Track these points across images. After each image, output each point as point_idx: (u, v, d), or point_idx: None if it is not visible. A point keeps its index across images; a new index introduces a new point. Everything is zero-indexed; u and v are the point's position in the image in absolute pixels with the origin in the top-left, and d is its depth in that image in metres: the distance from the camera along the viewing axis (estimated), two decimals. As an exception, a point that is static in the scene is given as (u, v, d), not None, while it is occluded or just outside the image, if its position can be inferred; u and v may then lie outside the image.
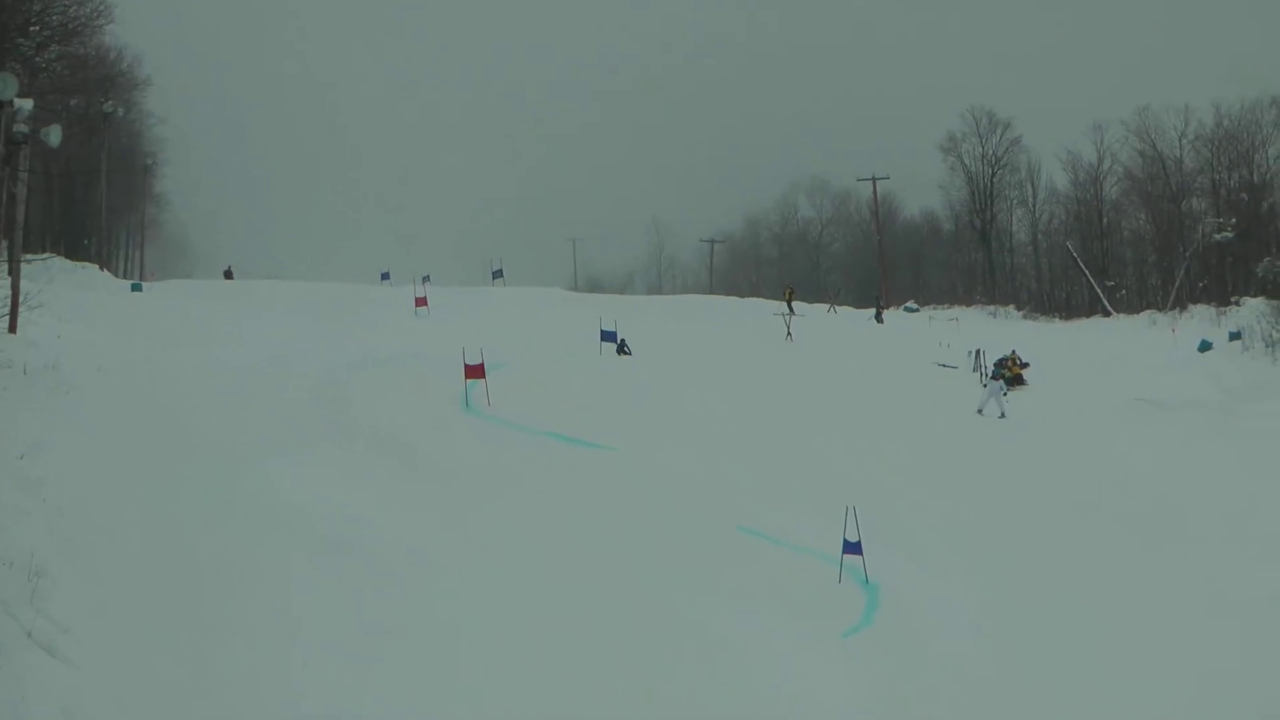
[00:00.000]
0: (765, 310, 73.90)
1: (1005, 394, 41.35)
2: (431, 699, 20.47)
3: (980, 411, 42.13)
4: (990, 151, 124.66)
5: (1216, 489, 38.22)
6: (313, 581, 24.71)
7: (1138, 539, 33.53)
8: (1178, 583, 30.26)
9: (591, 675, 22.51)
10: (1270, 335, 70.60)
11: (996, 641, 25.98)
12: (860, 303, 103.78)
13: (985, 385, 39.80)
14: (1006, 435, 43.97)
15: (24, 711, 18.07)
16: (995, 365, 55.00)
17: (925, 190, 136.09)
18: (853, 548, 28.47)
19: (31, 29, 74.94)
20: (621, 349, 50.40)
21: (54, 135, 35.76)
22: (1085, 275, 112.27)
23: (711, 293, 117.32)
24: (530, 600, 25.45)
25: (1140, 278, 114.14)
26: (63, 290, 50.45)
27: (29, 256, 56.02)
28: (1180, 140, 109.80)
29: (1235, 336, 73.58)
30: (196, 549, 25.21)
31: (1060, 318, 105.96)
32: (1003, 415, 41.25)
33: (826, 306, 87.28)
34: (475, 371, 40.27)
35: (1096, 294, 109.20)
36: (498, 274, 79.48)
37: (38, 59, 75.59)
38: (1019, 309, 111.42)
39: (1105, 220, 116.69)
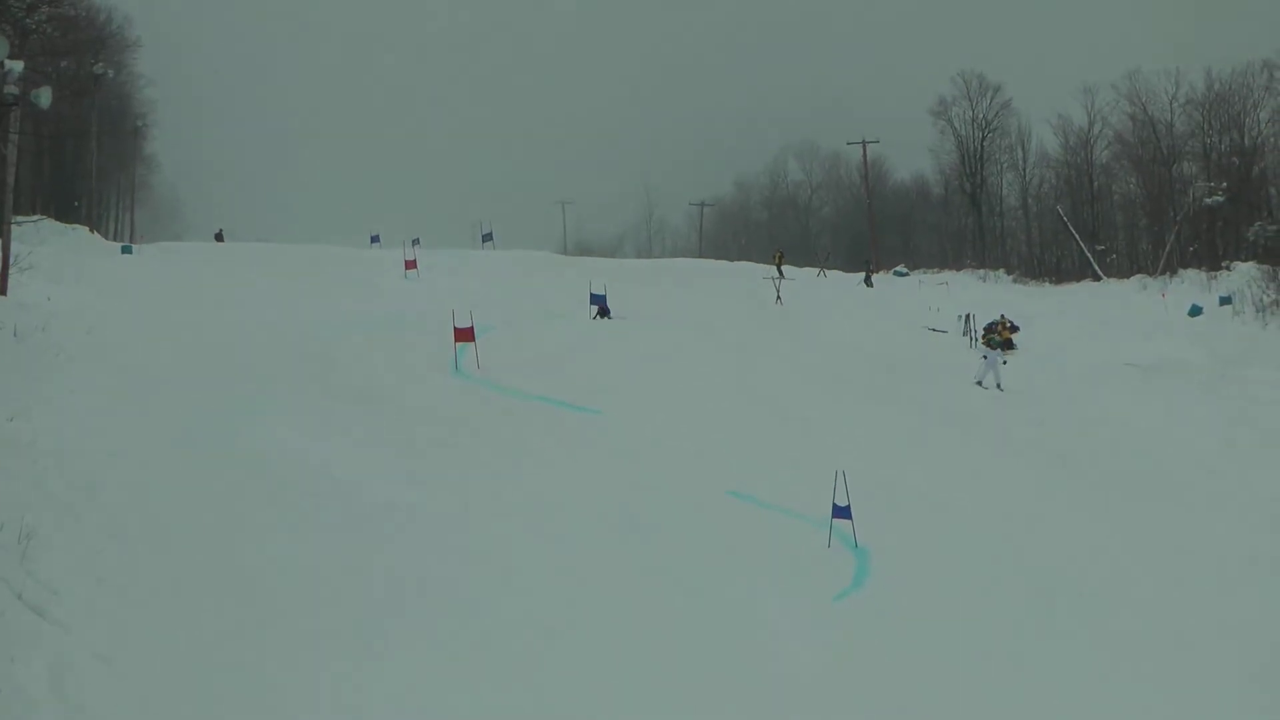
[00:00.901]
0: (755, 274, 73.88)
1: (1004, 363, 41.18)
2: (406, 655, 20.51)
3: (980, 383, 42.00)
4: (980, 115, 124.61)
5: (1205, 454, 38.33)
6: (298, 538, 24.73)
7: (1128, 502, 33.62)
8: (1168, 544, 30.36)
9: (572, 639, 22.55)
10: (1261, 300, 70.68)
11: (988, 603, 26.03)
12: (850, 266, 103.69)
13: (984, 357, 39.63)
14: (997, 400, 44.00)
15: (13, 673, 18.09)
16: (985, 329, 55.01)
17: (915, 154, 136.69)
18: (842, 512, 28.47)
19: (22, -10, 74.63)
20: (604, 313, 50.28)
21: (44, 97, 35.63)
22: (1075, 239, 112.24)
23: (701, 256, 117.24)
24: (514, 562, 25.49)
25: (1131, 242, 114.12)
26: (53, 252, 50.42)
27: (19, 219, 55.98)
28: (1171, 104, 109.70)
29: (1226, 301, 73.57)
30: (185, 510, 25.23)
31: (1050, 282, 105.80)
32: (999, 387, 41.12)
33: (816, 270, 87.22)
34: (465, 334, 40.28)
35: (1087, 258, 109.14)
36: (488, 237, 79.33)
37: (28, 20, 75.30)
38: (1009, 273, 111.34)
39: (1096, 184, 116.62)
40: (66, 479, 25.31)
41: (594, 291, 50.42)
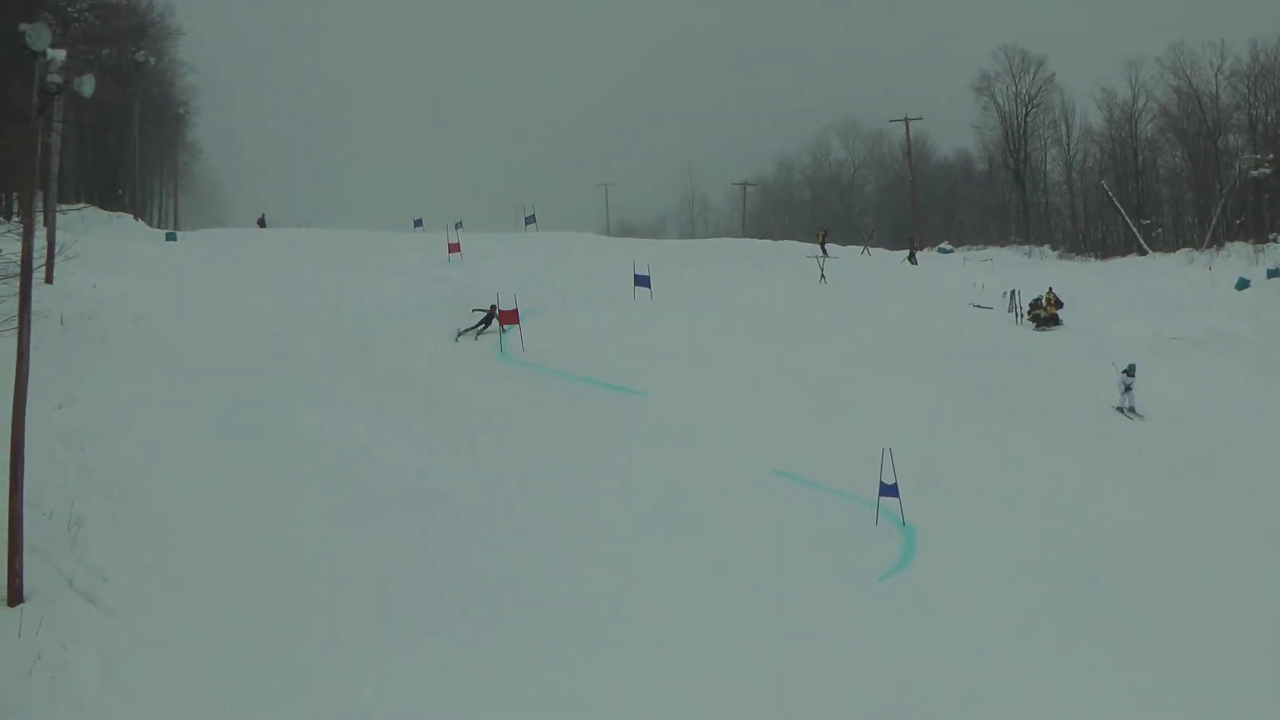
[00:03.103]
0: (798, 253, 73.41)
1: (1128, 389, 40.16)
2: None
3: (1120, 409, 40.59)
4: (1023, 90, 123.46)
5: (1253, 429, 37.95)
6: (344, 524, 24.81)
7: (1175, 480, 33.34)
8: (1215, 523, 30.12)
9: (619, 622, 22.58)
10: (1310, 272, 69.94)
11: (1034, 583, 25.91)
12: (894, 244, 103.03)
13: (1128, 389, 38.66)
14: (1043, 376, 43.68)
15: (64, 660, 18.23)
16: (1030, 305, 54.64)
17: (958, 131, 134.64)
18: (889, 490, 28.39)
19: (64, -22, 74.80)
20: (643, 282, 49.87)
21: (87, 85, 35.65)
22: (1121, 214, 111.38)
23: (744, 236, 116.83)
24: (561, 547, 25.53)
25: (1177, 215, 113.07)
26: (98, 240, 50.53)
27: (63, 207, 56.19)
28: (1216, 76, 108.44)
29: (1274, 274, 72.72)
30: (230, 496, 25.35)
31: (1096, 257, 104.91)
32: (1135, 411, 39.89)
33: (860, 248, 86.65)
34: (509, 317, 40.27)
35: (1132, 233, 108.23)
36: (530, 220, 79.01)
37: (70, 9, 75.46)
38: (1054, 249, 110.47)
39: (1140, 158, 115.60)
40: (114, 466, 25.46)
41: (638, 273, 50.28)
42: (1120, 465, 34.21)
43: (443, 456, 29.81)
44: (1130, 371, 38.02)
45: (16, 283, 22.08)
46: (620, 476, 29.96)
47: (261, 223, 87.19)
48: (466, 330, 37.72)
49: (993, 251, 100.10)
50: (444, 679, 20.17)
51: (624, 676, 20.90)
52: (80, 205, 72.38)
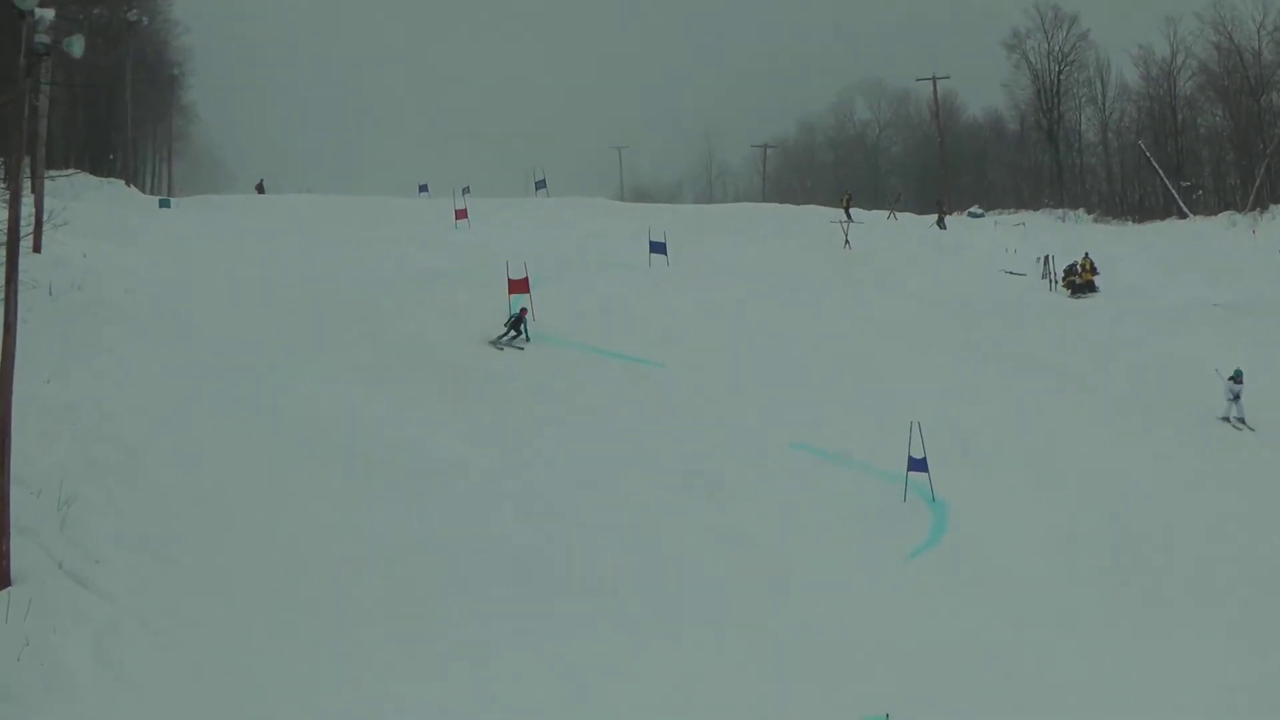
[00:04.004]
0: (821, 218, 73.24)
1: (1237, 398, 39.32)
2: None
3: (1227, 419, 39.73)
4: (1056, 48, 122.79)
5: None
6: (349, 500, 24.76)
7: (1217, 452, 33.18)
8: (1260, 497, 29.98)
9: (636, 599, 22.52)
10: (1357, 235, 69.62)
11: (1070, 560, 25.83)
12: (921, 208, 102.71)
13: (1235, 397, 37.82)
14: (1078, 347, 43.52)
15: (52, 645, 18.17)
16: (1065, 271, 54.46)
17: (988, 89, 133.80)
18: (918, 465, 28.28)
19: (50, -65, 74.64)
20: (660, 249, 49.69)
21: (77, 46, 35.55)
22: (1159, 175, 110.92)
23: (764, 200, 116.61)
24: (578, 521, 25.48)
25: (1218, 177, 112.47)
26: (88, 207, 50.48)
27: (52, 173, 56.10)
28: (1259, 31, 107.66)
29: (1321, 236, 72.54)
30: (230, 473, 25.30)
31: (1133, 220, 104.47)
32: (1243, 421, 39.02)
33: (886, 213, 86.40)
34: (519, 286, 40.08)
35: (1171, 195, 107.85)
36: (541, 185, 78.93)
37: (58, -34, 75.43)
38: (1089, 212, 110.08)
39: (1180, 117, 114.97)
40: (106, 443, 25.42)
41: (653, 240, 50.14)
42: (1162, 438, 33.98)
43: (451, 429, 29.76)
44: (1237, 378, 37.31)
45: (3, 252, 21.99)
46: (638, 451, 29.88)
47: (260, 189, 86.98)
48: (499, 338, 37.32)
49: (1025, 215, 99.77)
50: (459, 660, 20.12)
51: (645, 658, 20.84)
52: (70, 171, 72.25)
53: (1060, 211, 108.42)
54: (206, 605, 20.76)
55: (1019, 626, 22.94)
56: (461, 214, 59.70)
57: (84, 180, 71.52)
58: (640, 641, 21.30)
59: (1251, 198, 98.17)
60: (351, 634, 20.50)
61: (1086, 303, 51.33)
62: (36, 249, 38.11)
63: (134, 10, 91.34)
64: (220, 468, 25.66)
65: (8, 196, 24.32)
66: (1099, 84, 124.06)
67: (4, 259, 21.81)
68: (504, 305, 38.91)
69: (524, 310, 38.18)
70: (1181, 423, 35.44)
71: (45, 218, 39.19)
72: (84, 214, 44.49)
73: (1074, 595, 24.39)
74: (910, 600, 23.76)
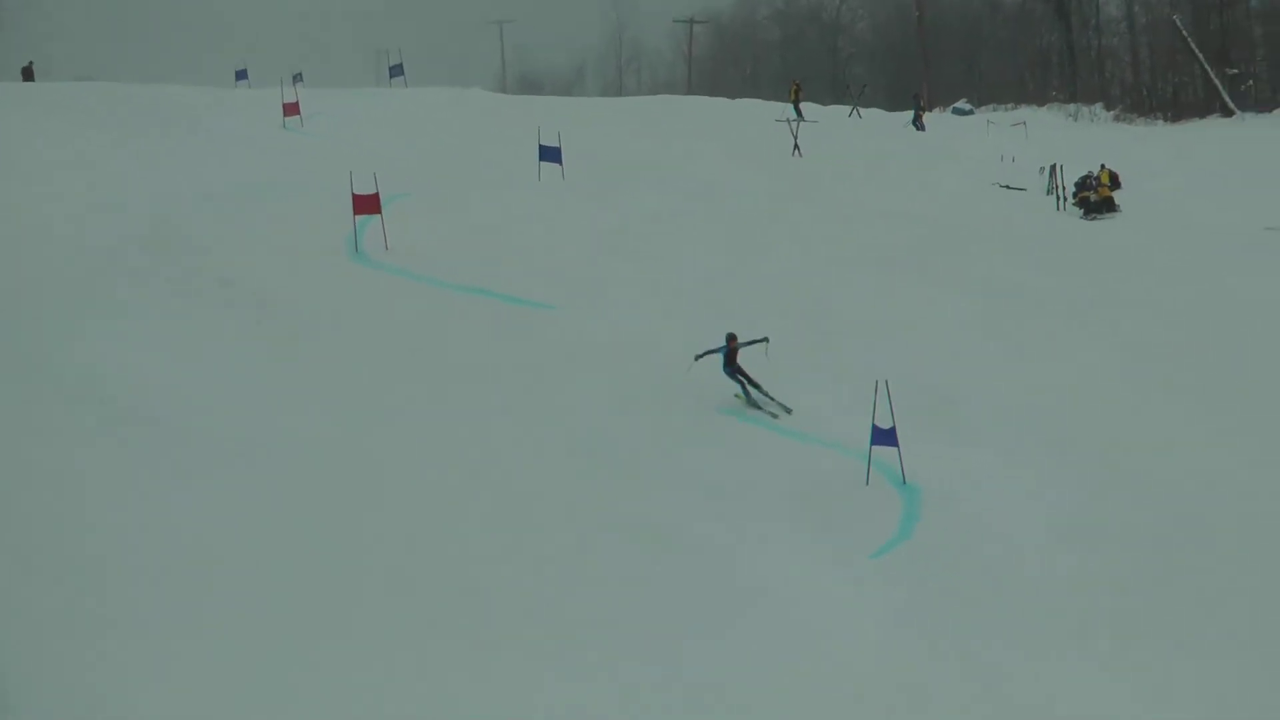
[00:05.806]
0: (764, 115, 73.58)
1: None
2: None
3: None
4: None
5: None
6: (137, 489, 24.59)
7: (1263, 415, 33.24)
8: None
9: (518, 607, 22.54)
10: None
11: (1081, 561, 26.00)
12: (894, 104, 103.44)
13: None
14: (1093, 280, 43.74)
15: None
16: (1077, 186, 54.81)
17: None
18: (885, 437, 28.31)
19: None
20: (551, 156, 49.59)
21: None
22: (1199, 60, 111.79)
23: (690, 93, 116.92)
24: (447, 513, 25.45)
25: (1273, 64, 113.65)
26: None
27: None
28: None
29: (1402, 139, 73.38)
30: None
31: (1165, 119, 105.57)
32: None
33: (848, 109, 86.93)
34: (367, 204, 39.90)
35: (1214, 86, 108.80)
36: (396, 71, 78.87)
37: None
38: (1109, 108, 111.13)
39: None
40: None
41: (544, 144, 50.08)
42: (1193, 396, 34.04)
43: (276, 393, 29.59)
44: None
45: None
46: (517, 415, 29.87)
47: (27, 74, 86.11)
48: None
49: (1027, 113, 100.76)
50: (294, 675, 20.10)
51: (525, 672, 20.83)
52: None
53: (1072, 107, 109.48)
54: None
55: (1012, 648, 23.10)
56: (292, 109, 59.58)
57: None
58: (519, 657, 21.24)
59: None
60: (134, 648, 20.44)
61: (1105, 225, 51.81)
62: None
63: None
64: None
65: None
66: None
67: None
68: (349, 227, 38.82)
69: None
70: (1238, 381, 35.39)
71: None
72: None
73: (1086, 607, 24.56)
74: (872, 614, 23.85)
